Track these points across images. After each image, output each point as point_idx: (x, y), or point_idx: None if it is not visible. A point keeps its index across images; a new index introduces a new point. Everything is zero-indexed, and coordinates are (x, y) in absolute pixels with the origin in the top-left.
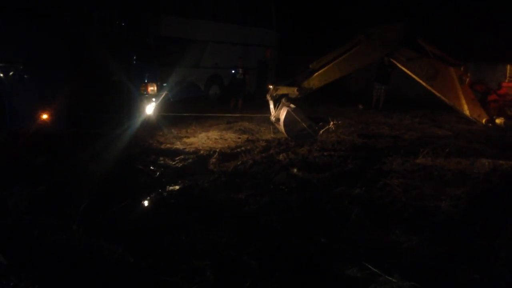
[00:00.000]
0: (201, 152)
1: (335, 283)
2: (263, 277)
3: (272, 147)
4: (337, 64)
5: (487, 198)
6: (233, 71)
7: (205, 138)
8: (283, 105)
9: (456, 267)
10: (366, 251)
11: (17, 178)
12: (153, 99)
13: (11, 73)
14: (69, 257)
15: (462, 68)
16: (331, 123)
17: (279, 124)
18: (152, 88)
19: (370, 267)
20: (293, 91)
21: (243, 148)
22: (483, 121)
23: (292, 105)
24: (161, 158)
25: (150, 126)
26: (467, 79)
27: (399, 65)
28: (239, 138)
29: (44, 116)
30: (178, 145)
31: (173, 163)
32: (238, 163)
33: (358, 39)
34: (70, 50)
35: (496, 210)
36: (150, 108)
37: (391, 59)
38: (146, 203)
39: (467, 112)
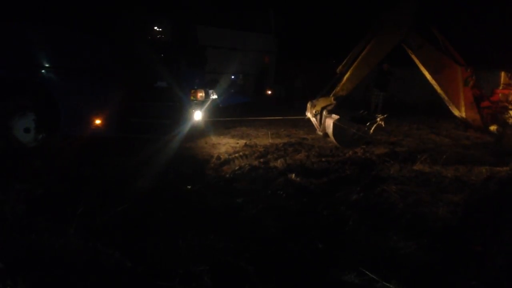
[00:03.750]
0: (199, 156)
1: None
2: (260, 282)
3: (270, 153)
4: (363, 60)
5: (485, 205)
6: (232, 77)
7: (202, 143)
8: (326, 118)
9: (453, 274)
10: (364, 257)
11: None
12: (202, 105)
13: (65, 80)
14: (66, 261)
15: (468, 70)
16: (379, 119)
17: (328, 138)
18: (201, 94)
19: (367, 273)
20: (330, 102)
21: (241, 153)
22: (477, 126)
23: (334, 116)
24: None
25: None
26: (471, 82)
27: (409, 52)
28: (237, 143)
29: (97, 122)
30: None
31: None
32: (236, 168)
33: (373, 29)
34: (122, 57)
35: (493, 217)
36: (198, 114)
37: (403, 45)
38: (143, 207)
39: (463, 114)
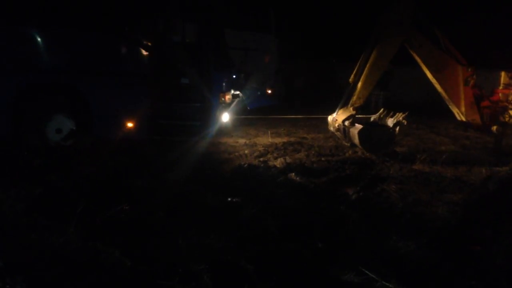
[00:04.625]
0: (198, 156)
1: None
2: (260, 281)
3: (270, 152)
4: (373, 65)
5: (484, 205)
6: (234, 76)
7: (202, 143)
8: (350, 128)
9: (452, 273)
10: (363, 256)
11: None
12: (229, 107)
13: (98, 83)
14: (66, 260)
15: (469, 69)
16: (401, 117)
17: (356, 147)
18: (228, 97)
19: (367, 272)
20: (350, 112)
21: (241, 153)
22: (476, 126)
23: (357, 125)
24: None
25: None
26: (472, 81)
27: (411, 51)
28: (237, 142)
29: (129, 125)
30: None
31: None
32: (236, 167)
33: (376, 32)
34: (152, 60)
35: (492, 217)
36: (226, 116)
37: (405, 44)
38: (143, 206)
39: (463, 113)
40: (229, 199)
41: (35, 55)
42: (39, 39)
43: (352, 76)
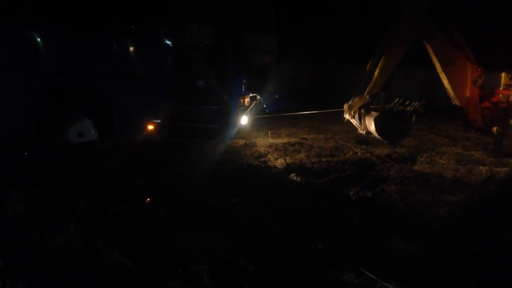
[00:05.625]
0: (198, 156)
1: None
2: (260, 282)
3: (270, 152)
4: (389, 53)
5: (484, 206)
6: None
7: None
8: (366, 116)
9: (452, 274)
10: (363, 257)
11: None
12: (247, 109)
13: (119, 86)
14: (66, 260)
15: (479, 69)
16: (418, 105)
17: (372, 136)
18: (247, 100)
19: (367, 273)
20: (366, 100)
21: (242, 153)
22: (477, 126)
23: (373, 113)
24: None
25: None
26: (480, 82)
27: (425, 42)
28: (237, 142)
29: (150, 127)
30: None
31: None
32: (236, 167)
33: (393, 20)
34: (173, 63)
35: (493, 218)
36: (244, 119)
37: (420, 35)
38: (143, 207)
39: (466, 112)
40: (229, 199)
41: (59, 58)
42: (63, 42)
43: (369, 64)
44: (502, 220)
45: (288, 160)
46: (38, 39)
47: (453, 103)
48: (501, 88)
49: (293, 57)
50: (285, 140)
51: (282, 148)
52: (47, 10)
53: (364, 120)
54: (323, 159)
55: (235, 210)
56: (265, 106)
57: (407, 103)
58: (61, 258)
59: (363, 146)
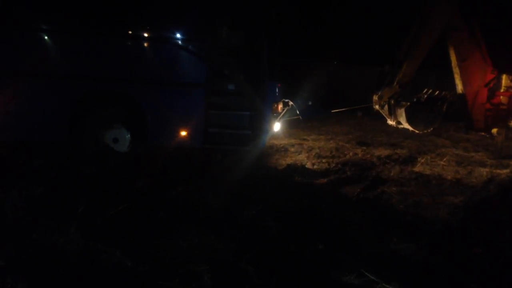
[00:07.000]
0: (199, 156)
1: None
2: (261, 282)
3: (271, 153)
4: (421, 43)
5: (485, 207)
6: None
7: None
8: (396, 106)
9: (453, 276)
10: (364, 258)
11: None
12: (280, 116)
13: (153, 91)
14: (67, 260)
15: (494, 72)
16: (448, 95)
17: (402, 126)
18: (280, 106)
19: (367, 274)
20: (396, 89)
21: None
22: (478, 127)
23: (404, 103)
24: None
25: None
26: (491, 85)
27: (447, 34)
28: None
29: (183, 133)
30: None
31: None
32: (236, 168)
33: (423, 10)
34: (206, 69)
35: (493, 219)
36: (277, 125)
37: (446, 27)
38: (144, 207)
39: (469, 111)
40: (230, 200)
41: (94, 64)
42: (98, 48)
43: (398, 53)
44: (502, 221)
45: (289, 161)
46: (76, 45)
47: (458, 92)
48: (502, 90)
49: (296, 56)
50: (286, 141)
51: (282, 149)
52: (85, 16)
53: (395, 110)
54: (323, 160)
55: (235, 211)
56: (298, 112)
57: (436, 93)
58: (62, 258)
59: (364, 147)
